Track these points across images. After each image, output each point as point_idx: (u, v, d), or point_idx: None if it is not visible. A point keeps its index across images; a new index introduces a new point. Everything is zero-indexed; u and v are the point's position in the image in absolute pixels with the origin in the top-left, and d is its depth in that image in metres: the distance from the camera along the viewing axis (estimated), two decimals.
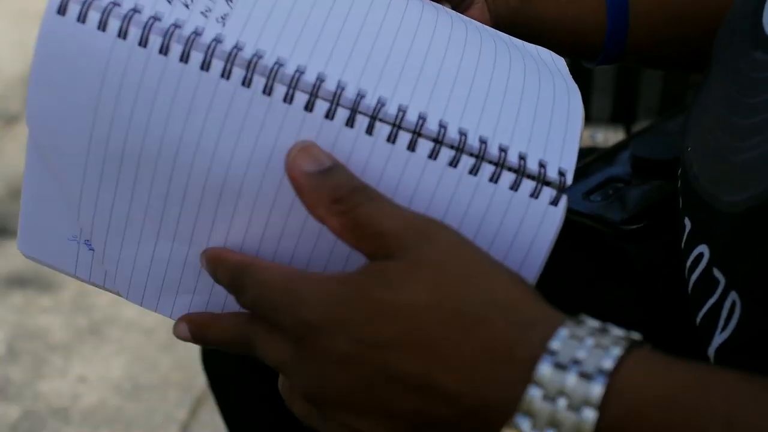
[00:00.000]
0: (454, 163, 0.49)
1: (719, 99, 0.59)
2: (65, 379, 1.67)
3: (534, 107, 0.53)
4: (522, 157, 0.50)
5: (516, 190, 0.50)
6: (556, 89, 0.55)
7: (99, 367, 1.69)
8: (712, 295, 0.53)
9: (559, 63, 0.60)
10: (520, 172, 0.50)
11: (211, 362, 0.90)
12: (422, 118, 0.50)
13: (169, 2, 0.49)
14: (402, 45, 0.52)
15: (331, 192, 0.47)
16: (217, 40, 0.48)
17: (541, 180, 0.50)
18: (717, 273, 0.54)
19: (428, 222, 0.47)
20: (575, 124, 0.53)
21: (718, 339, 0.53)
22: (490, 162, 0.50)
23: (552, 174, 0.50)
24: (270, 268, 0.48)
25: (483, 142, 0.50)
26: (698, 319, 0.55)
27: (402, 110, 0.49)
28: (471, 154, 0.49)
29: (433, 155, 0.49)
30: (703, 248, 0.56)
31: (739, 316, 0.51)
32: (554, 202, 0.50)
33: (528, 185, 0.50)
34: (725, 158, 0.55)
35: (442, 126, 0.50)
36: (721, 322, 0.52)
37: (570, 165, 0.51)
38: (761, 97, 0.54)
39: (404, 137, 0.49)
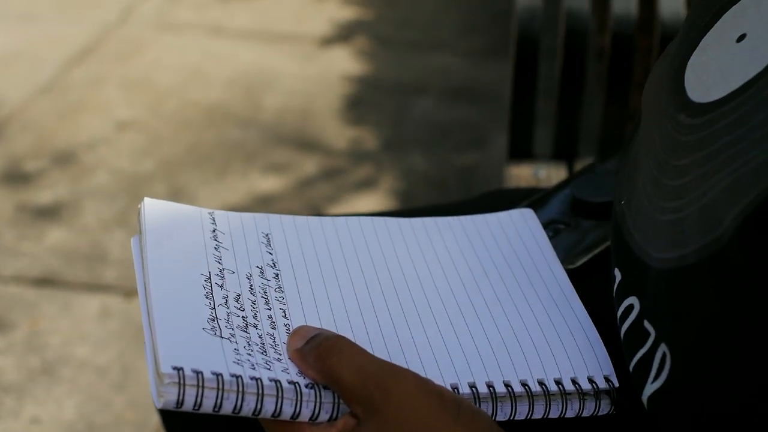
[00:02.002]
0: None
1: (650, 157, 0.61)
2: (18, 420, 1.66)
3: (555, 333, 0.63)
4: (575, 381, 0.60)
5: (582, 410, 0.61)
6: (558, 306, 0.66)
7: (52, 407, 1.69)
8: (643, 346, 0.56)
9: (532, 224, 0.72)
10: (580, 394, 0.60)
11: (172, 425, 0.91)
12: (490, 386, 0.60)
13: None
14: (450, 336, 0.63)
15: (311, 351, 0.56)
16: None
17: (597, 394, 0.60)
18: (647, 325, 0.56)
19: (388, 374, 0.51)
20: (589, 326, 0.64)
21: (650, 388, 0.55)
22: (554, 395, 0.60)
23: (601, 383, 0.61)
24: None
25: (541, 384, 0.60)
26: (631, 367, 0.57)
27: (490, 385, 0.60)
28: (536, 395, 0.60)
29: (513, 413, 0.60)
30: (633, 300, 0.58)
31: (670, 368, 0.53)
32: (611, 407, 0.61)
33: (590, 404, 0.61)
34: (655, 217, 0.57)
35: (507, 385, 0.60)
36: (653, 372, 0.54)
37: (610, 369, 0.61)
38: (686, 160, 0.56)
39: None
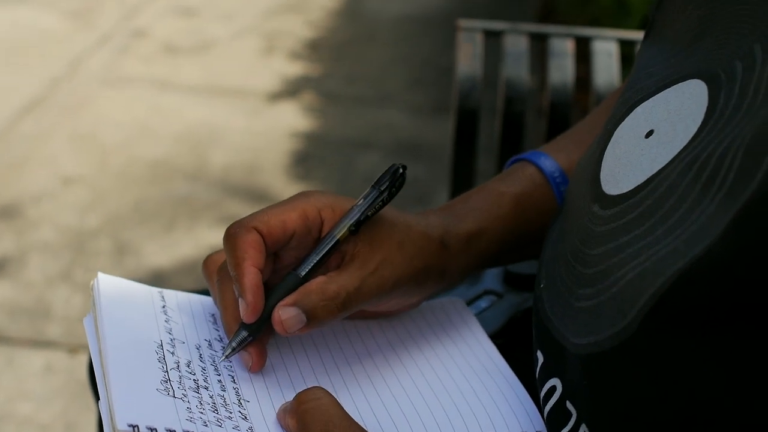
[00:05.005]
0: None
1: (567, 243, 0.65)
2: None
3: (489, 397, 0.68)
4: None
5: None
6: (491, 375, 0.70)
7: None
8: (566, 425, 0.59)
9: (466, 315, 0.76)
10: None
11: None
12: None
13: None
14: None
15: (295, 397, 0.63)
16: None
17: None
18: (569, 406, 0.59)
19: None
20: (519, 388, 0.68)
21: None
22: None
23: None
24: None
25: None
26: None
27: None
28: None
29: None
30: (555, 381, 0.61)
31: None
32: None
33: None
34: (570, 303, 0.61)
35: None
36: None
37: (541, 425, 0.65)
38: (599, 250, 0.59)
39: None
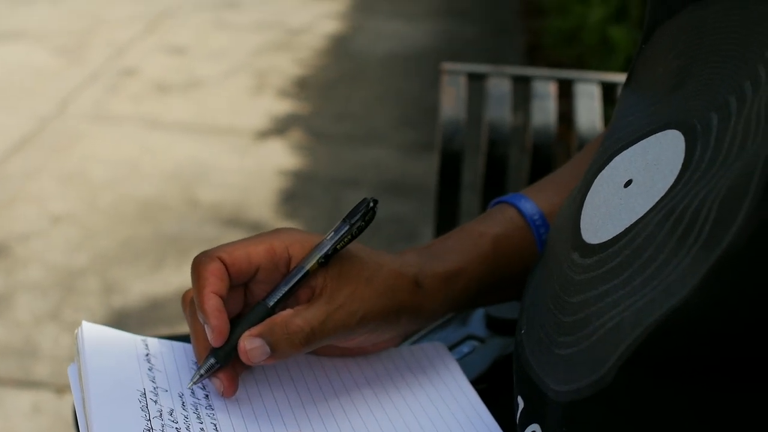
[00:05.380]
0: None
1: (547, 290, 0.66)
2: None
3: None
4: None
5: None
6: (471, 420, 0.71)
7: None
8: None
9: (447, 360, 0.77)
10: None
11: None
12: None
13: None
14: None
15: None
16: None
17: None
18: None
19: None
20: (496, 430, 0.69)
21: None
22: None
23: None
24: None
25: None
26: None
27: None
28: None
29: None
30: (535, 427, 0.62)
31: None
32: None
33: None
34: (551, 350, 0.62)
35: None
36: None
37: None
38: (578, 298, 0.61)
39: None
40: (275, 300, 0.68)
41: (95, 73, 3.50)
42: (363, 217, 0.69)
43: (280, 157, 2.93)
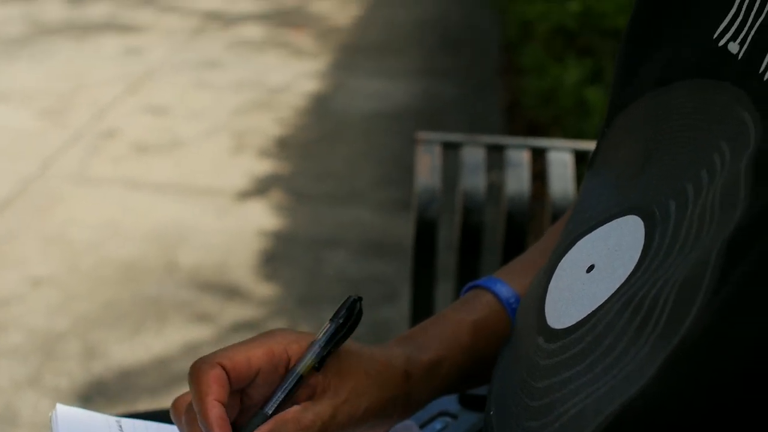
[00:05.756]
0: None
1: (515, 373, 0.67)
2: None
3: None
4: None
5: None
6: None
7: None
8: None
9: None
10: None
11: None
12: None
13: None
14: None
15: None
16: None
17: None
18: None
19: None
20: None
21: None
22: None
23: None
24: None
25: None
26: None
27: None
28: None
29: None
30: None
31: None
32: None
33: None
34: None
35: None
36: None
37: None
38: (544, 383, 0.62)
39: None
40: (273, 407, 0.68)
41: (77, 134, 3.52)
42: (350, 315, 0.70)
43: (261, 218, 2.94)
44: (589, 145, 1.43)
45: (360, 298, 0.71)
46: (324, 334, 0.70)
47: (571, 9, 2.51)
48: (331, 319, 0.70)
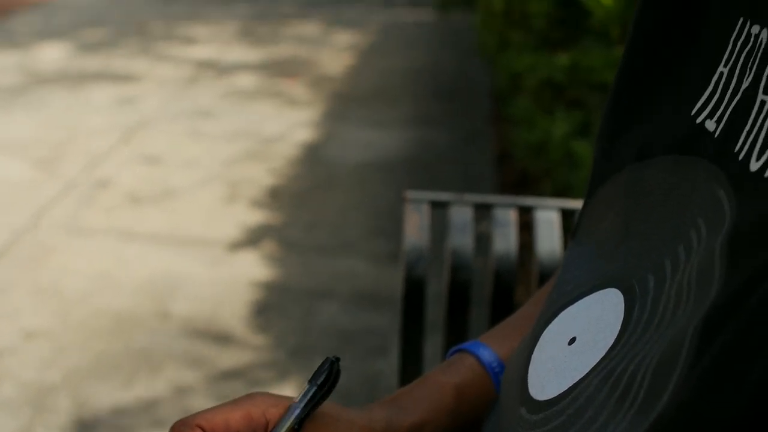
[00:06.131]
0: None
1: None
2: None
3: None
4: None
5: None
6: None
7: None
8: None
9: None
10: None
11: None
12: None
13: None
14: None
15: None
16: None
17: None
18: None
19: None
20: None
21: None
22: None
23: None
24: None
25: None
26: None
27: None
28: None
29: None
30: None
31: None
32: None
33: None
34: None
35: None
36: None
37: None
38: None
39: None
40: None
41: (70, 184, 3.53)
42: (329, 377, 0.72)
43: (253, 269, 2.95)
44: (576, 204, 1.45)
45: (338, 359, 0.73)
46: (302, 396, 0.71)
47: (559, 62, 2.54)
48: (309, 381, 0.72)
